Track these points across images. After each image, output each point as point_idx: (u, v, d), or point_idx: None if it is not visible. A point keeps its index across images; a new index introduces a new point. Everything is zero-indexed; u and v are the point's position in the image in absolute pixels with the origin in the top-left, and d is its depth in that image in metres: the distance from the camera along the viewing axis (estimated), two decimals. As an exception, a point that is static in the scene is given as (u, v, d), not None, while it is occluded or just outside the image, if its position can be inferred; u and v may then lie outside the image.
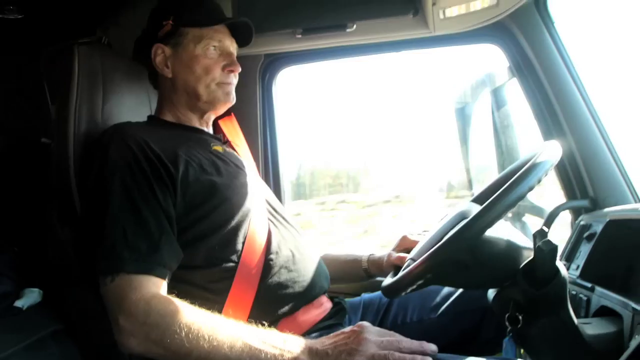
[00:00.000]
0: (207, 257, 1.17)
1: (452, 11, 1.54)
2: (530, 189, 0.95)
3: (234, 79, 1.39)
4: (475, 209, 1.17)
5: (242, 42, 1.44)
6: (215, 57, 1.35)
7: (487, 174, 2.03)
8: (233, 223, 1.21)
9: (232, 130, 1.56)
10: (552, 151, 1.01)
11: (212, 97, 1.36)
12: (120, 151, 1.16)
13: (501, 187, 1.24)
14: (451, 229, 1.09)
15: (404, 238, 1.44)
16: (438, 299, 1.42)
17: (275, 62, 1.87)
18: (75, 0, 1.61)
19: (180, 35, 1.34)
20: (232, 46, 1.40)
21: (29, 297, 1.20)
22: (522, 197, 0.94)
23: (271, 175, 1.84)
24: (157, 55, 1.35)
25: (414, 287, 1.03)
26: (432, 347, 1.01)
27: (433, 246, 1.01)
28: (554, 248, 0.96)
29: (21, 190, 1.36)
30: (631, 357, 0.58)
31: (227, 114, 1.53)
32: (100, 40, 1.66)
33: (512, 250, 1.05)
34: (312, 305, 1.27)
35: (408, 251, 1.35)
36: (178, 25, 1.34)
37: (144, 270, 1.06)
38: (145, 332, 1.01)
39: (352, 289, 1.63)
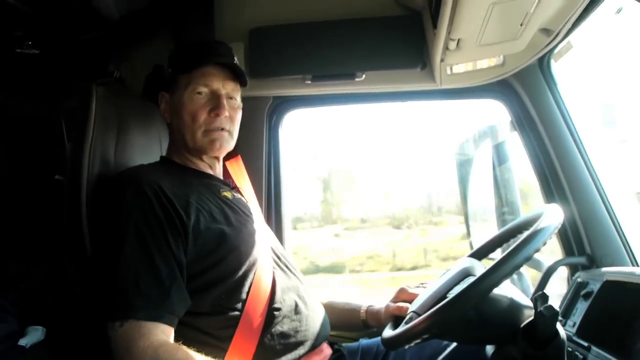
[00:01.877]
0: (213, 304, 1.18)
1: (459, 68, 1.59)
2: (536, 251, 0.99)
3: (227, 124, 1.36)
4: (478, 265, 1.19)
5: (243, 82, 1.42)
6: (202, 102, 1.34)
7: (486, 226, 2.05)
8: (240, 272, 1.22)
9: (238, 172, 1.58)
10: (555, 215, 1.04)
11: (199, 145, 1.36)
12: (137, 197, 1.18)
13: (499, 245, 1.28)
14: (455, 284, 1.11)
15: (402, 290, 1.45)
16: (436, 348, 1.42)
17: (283, 105, 1.89)
18: (90, 36, 1.66)
19: (175, 82, 1.38)
20: (224, 88, 1.37)
21: (33, 336, 1.20)
22: (528, 258, 0.99)
23: (274, 217, 1.85)
24: (162, 103, 1.41)
25: (416, 342, 1.05)
26: None
27: (437, 301, 1.03)
28: (555, 313, 0.99)
29: (31, 227, 1.37)
30: None
31: (234, 154, 1.56)
32: (113, 76, 1.71)
33: (514, 308, 1.08)
34: (314, 352, 1.28)
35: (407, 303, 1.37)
36: (175, 73, 1.39)
37: (154, 317, 1.07)
38: None
39: (350, 334, 1.63)
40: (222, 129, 1.36)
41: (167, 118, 1.40)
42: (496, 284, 0.98)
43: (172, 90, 1.38)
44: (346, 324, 1.53)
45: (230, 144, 1.40)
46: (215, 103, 1.34)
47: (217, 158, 1.43)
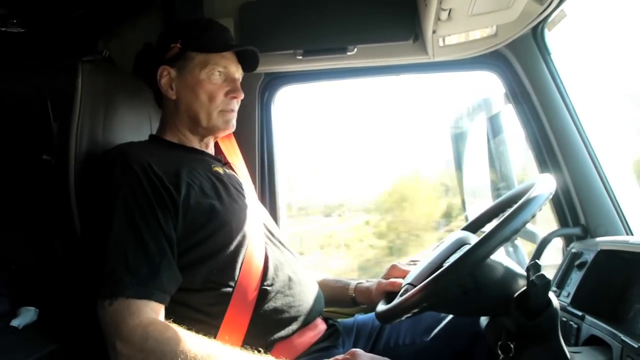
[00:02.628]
0: (205, 280, 1.18)
1: (452, 39, 1.57)
2: (531, 217, 1.00)
3: (236, 105, 1.41)
4: (472, 236, 1.19)
5: (247, 68, 1.45)
6: (219, 83, 1.37)
7: (481, 199, 2.05)
8: (232, 247, 1.22)
9: (231, 150, 1.57)
10: (547, 184, 1.04)
11: (212, 124, 1.37)
12: (124, 174, 1.17)
13: (494, 216, 1.28)
14: (450, 255, 1.11)
15: (394, 267, 1.45)
16: (431, 322, 1.43)
17: (274, 81, 1.88)
18: (77, 14, 1.63)
19: (186, 58, 1.36)
20: (237, 72, 1.41)
21: (26, 316, 1.20)
22: (522, 226, 0.99)
23: (267, 195, 1.85)
24: (163, 77, 1.37)
25: (411, 313, 1.05)
26: None
27: (433, 272, 1.03)
28: (547, 282, 0.99)
29: (20, 207, 1.36)
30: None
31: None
32: (102, 55, 1.68)
33: (509, 277, 1.08)
34: (308, 328, 1.28)
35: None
36: (185, 49, 1.36)
37: (143, 295, 1.07)
38: (142, 358, 1.02)
39: (346, 310, 1.64)
40: (233, 110, 1.39)
41: (170, 94, 1.37)
42: (491, 252, 0.98)
43: (181, 66, 1.36)
44: (336, 301, 1.54)
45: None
46: (232, 86, 1.38)
47: (215, 136, 1.44)
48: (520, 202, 1.02)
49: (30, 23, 1.49)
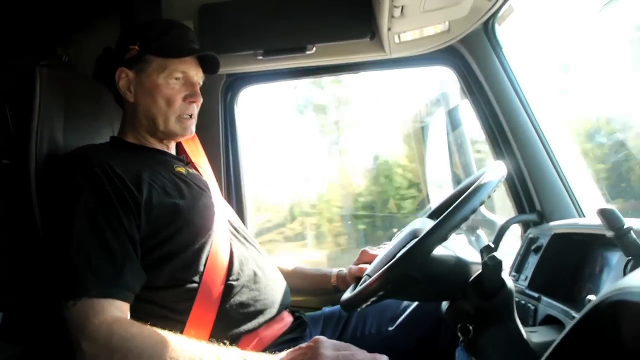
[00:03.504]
0: (169, 278, 1.19)
1: (407, 36, 1.61)
2: (473, 211, 1.01)
3: (196, 109, 1.40)
4: (427, 226, 1.23)
5: (208, 70, 1.44)
6: (177, 88, 1.35)
7: (444, 189, 2.10)
8: (196, 245, 1.23)
9: (195, 150, 1.58)
10: (493, 174, 1.07)
11: (170, 129, 1.37)
12: (85, 175, 1.17)
13: (453, 203, 1.32)
14: (403, 246, 1.15)
15: (364, 252, 1.49)
16: (396, 311, 1.47)
17: (236, 82, 1.90)
18: (35, 18, 1.62)
19: (145, 62, 1.34)
20: (196, 75, 1.40)
21: (-10, 321, 1.19)
22: (466, 218, 1.01)
23: (234, 194, 1.86)
24: (121, 79, 1.35)
25: (370, 302, 1.08)
26: (384, 358, 1.06)
27: (386, 263, 1.06)
28: (499, 263, 1.02)
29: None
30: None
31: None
32: (61, 60, 1.67)
33: (461, 265, 1.11)
34: (274, 320, 1.30)
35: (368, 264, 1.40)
36: (144, 52, 1.34)
37: (107, 294, 1.07)
38: (107, 356, 1.02)
39: (313, 303, 1.67)
40: (192, 116, 1.38)
41: (129, 97, 1.36)
42: (437, 243, 1.00)
43: (139, 69, 1.34)
44: (316, 290, 1.58)
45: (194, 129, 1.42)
46: (191, 90, 1.36)
47: (174, 140, 1.44)
48: (467, 191, 1.05)
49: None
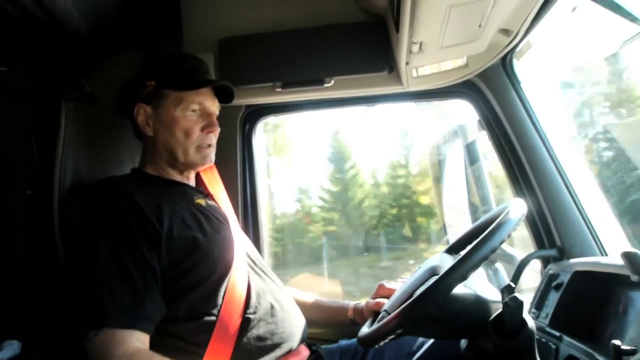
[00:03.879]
0: (188, 310, 1.19)
1: (425, 70, 1.63)
2: (494, 250, 1.02)
3: (214, 139, 1.42)
4: (446, 263, 1.22)
5: (224, 100, 1.47)
6: (194, 119, 1.38)
7: (462, 222, 2.09)
8: (214, 277, 1.24)
9: (213, 181, 1.59)
10: (513, 212, 1.07)
11: (190, 160, 1.39)
12: (108, 207, 1.20)
13: (472, 238, 1.31)
14: (422, 283, 1.14)
15: (381, 286, 1.48)
16: (413, 346, 1.45)
17: (255, 113, 1.92)
18: (60, 53, 1.66)
19: (161, 96, 1.37)
20: (213, 106, 1.42)
21: (9, 350, 1.20)
22: (486, 257, 1.01)
23: (251, 225, 1.86)
24: (139, 115, 1.38)
25: (388, 339, 1.07)
26: None
27: (404, 300, 1.06)
28: (520, 303, 1.01)
29: (3, 242, 1.37)
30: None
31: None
32: (84, 91, 1.71)
33: (481, 304, 1.11)
34: (291, 354, 1.29)
35: (386, 299, 1.39)
36: (160, 87, 1.37)
37: (128, 325, 1.08)
38: None
39: (329, 335, 1.65)
40: (210, 145, 1.40)
41: (148, 131, 1.38)
42: (457, 282, 1.00)
43: (157, 104, 1.37)
44: (334, 322, 1.56)
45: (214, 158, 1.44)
46: (208, 121, 1.39)
47: (194, 170, 1.46)
48: (488, 229, 1.05)
49: (12, 62, 1.52)
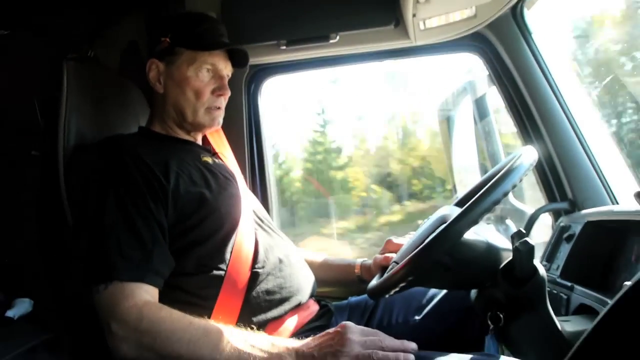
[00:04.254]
0: (196, 264, 1.20)
1: (432, 22, 1.58)
2: (505, 194, 0.99)
3: (224, 102, 1.41)
4: (455, 212, 1.21)
5: (237, 64, 1.45)
6: (206, 80, 1.36)
7: (471, 178, 2.06)
8: (221, 233, 1.24)
9: (219, 142, 1.58)
10: (525, 157, 1.05)
11: (198, 121, 1.38)
12: (114, 163, 1.20)
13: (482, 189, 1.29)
14: (431, 232, 1.12)
15: (389, 242, 1.47)
16: (423, 300, 1.45)
17: (260, 73, 1.89)
18: (61, 16, 1.64)
19: (175, 54, 1.36)
20: (225, 69, 1.41)
21: (20, 307, 1.22)
22: (497, 201, 0.99)
23: (258, 185, 1.86)
24: (151, 70, 1.37)
25: (397, 289, 1.06)
26: (412, 345, 1.05)
27: (414, 249, 1.05)
28: (531, 248, 1.00)
29: (11, 203, 1.38)
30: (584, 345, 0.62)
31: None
32: (87, 55, 1.69)
33: (492, 251, 1.09)
34: (300, 308, 1.30)
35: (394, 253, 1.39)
36: (174, 44, 1.36)
37: (137, 278, 1.09)
38: (137, 338, 1.05)
39: (339, 293, 1.65)
40: (219, 108, 1.39)
41: (158, 88, 1.37)
42: (466, 228, 0.98)
43: (170, 60, 1.36)
44: (342, 281, 1.56)
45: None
46: (219, 83, 1.38)
47: (201, 132, 1.45)
48: (499, 174, 1.03)
49: (14, 25, 1.51)
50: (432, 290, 1.45)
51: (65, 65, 1.33)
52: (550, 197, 1.61)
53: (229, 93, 1.40)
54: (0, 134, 1.42)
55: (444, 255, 1.02)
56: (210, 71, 1.37)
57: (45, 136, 1.29)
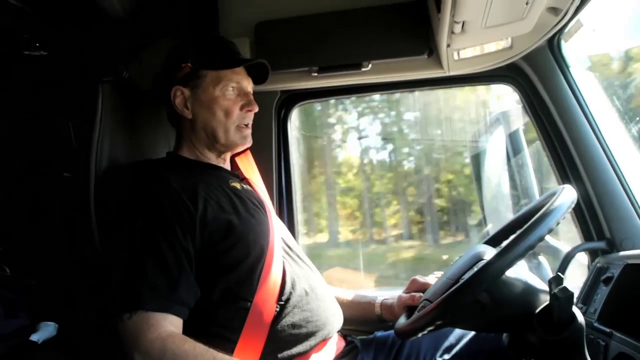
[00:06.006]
0: (223, 294, 1.19)
1: (467, 52, 1.56)
2: (549, 231, 0.97)
3: (251, 119, 1.42)
4: (490, 251, 1.17)
5: (258, 81, 1.47)
6: (233, 98, 1.38)
7: (502, 213, 2.01)
8: (249, 261, 1.22)
9: (248, 166, 1.58)
10: (568, 196, 1.02)
11: (230, 140, 1.39)
12: (143, 190, 1.20)
13: (516, 229, 1.25)
14: (468, 270, 1.09)
15: (414, 280, 1.44)
16: (452, 339, 1.40)
17: (291, 98, 1.89)
18: (98, 38, 1.67)
19: (199, 77, 1.37)
20: (249, 86, 1.43)
21: (45, 331, 1.22)
22: (540, 239, 0.96)
23: (285, 210, 1.85)
24: (177, 97, 1.38)
25: (427, 330, 1.03)
26: None
27: (449, 287, 1.01)
28: (570, 295, 0.96)
29: (41, 224, 1.39)
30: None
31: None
32: (122, 76, 1.72)
33: (529, 293, 1.06)
34: (325, 344, 1.27)
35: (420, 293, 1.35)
36: (197, 68, 1.37)
37: (162, 308, 1.08)
38: None
39: (365, 327, 1.61)
40: (248, 125, 1.41)
41: (186, 113, 1.38)
42: (507, 267, 0.96)
43: (194, 85, 1.37)
44: (361, 319, 1.52)
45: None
46: (246, 100, 1.40)
47: (232, 152, 1.46)
48: (536, 215, 0.99)
49: (52, 46, 1.54)
50: (462, 330, 1.40)
51: (100, 88, 1.35)
52: (587, 235, 1.56)
53: (256, 108, 1.42)
54: (33, 154, 1.44)
55: (482, 294, 1.00)
56: (235, 89, 1.39)
57: (77, 158, 1.30)
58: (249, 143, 1.43)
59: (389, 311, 1.45)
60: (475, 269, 1.02)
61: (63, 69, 1.58)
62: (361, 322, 1.54)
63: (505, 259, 0.95)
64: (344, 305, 1.46)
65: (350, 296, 1.53)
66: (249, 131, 1.42)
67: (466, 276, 1.05)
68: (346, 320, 1.41)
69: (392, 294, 1.49)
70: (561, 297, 0.96)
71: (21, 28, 1.46)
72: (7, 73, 1.55)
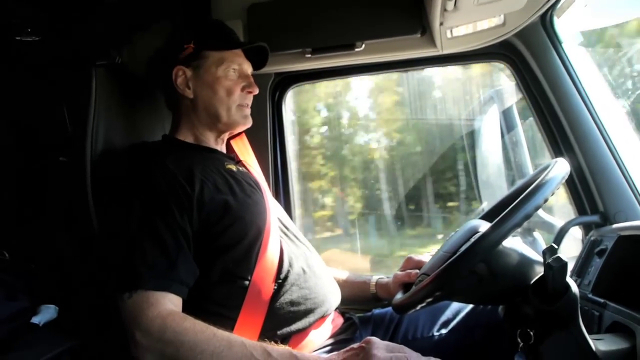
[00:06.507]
0: (221, 273, 1.20)
1: (460, 30, 1.56)
2: (544, 202, 0.98)
3: (251, 101, 1.44)
4: (485, 225, 1.18)
5: (256, 66, 1.50)
6: (235, 79, 1.40)
7: (497, 190, 2.02)
8: (246, 241, 1.23)
9: (243, 149, 1.59)
10: (557, 170, 1.03)
11: (232, 119, 1.40)
12: (140, 172, 1.21)
13: (510, 204, 1.26)
14: (464, 243, 1.10)
15: (409, 259, 1.45)
16: (449, 314, 1.42)
17: (285, 81, 1.90)
18: (90, 23, 1.66)
19: (202, 58, 1.39)
20: (249, 69, 1.46)
21: (46, 314, 1.22)
22: (534, 210, 0.97)
23: (282, 191, 1.86)
24: (178, 77, 1.39)
25: (426, 303, 1.04)
26: None
27: (446, 260, 1.03)
28: (564, 265, 0.97)
29: (39, 208, 1.39)
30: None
31: (238, 132, 1.57)
32: (115, 61, 1.71)
33: (525, 264, 1.07)
34: (324, 321, 1.29)
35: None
36: (200, 49, 1.39)
37: (162, 287, 1.09)
38: (160, 348, 1.04)
39: (361, 305, 1.63)
40: (248, 105, 1.44)
41: (188, 93, 1.39)
42: (503, 237, 0.97)
43: (197, 65, 1.39)
44: (357, 298, 1.54)
45: None
46: (247, 81, 1.43)
47: (231, 132, 1.48)
48: (531, 186, 1.00)
49: (44, 32, 1.53)
50: (459, 304, 1.43)
51: (94, 72, 1.34)
52: (581, 209, 1.57)
53: (257, 90, 1.44)
54: (28, 140, 1.44)
55: (478, 265, 1.01)
56: (237, 71, 1.41)
57: (73, 142, 1.30)
58: (249, 123, 1.44)
59: (384, 290, 1.48)
60: (472, 239, 1.03)
61: (56, 54, 1.57)
62: (357, 301, 1.56)
63: (500, 230, 0.96)
64: (340, 284, 1.48)
65: (345, 276, 1.55)
66: (249, 111, 1.44)
67: (463, 248, 1.06)
68: (343, 300, 1.43)
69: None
70: (555, 267, 0.97)
71: (12, 14, 1.45)
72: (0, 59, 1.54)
